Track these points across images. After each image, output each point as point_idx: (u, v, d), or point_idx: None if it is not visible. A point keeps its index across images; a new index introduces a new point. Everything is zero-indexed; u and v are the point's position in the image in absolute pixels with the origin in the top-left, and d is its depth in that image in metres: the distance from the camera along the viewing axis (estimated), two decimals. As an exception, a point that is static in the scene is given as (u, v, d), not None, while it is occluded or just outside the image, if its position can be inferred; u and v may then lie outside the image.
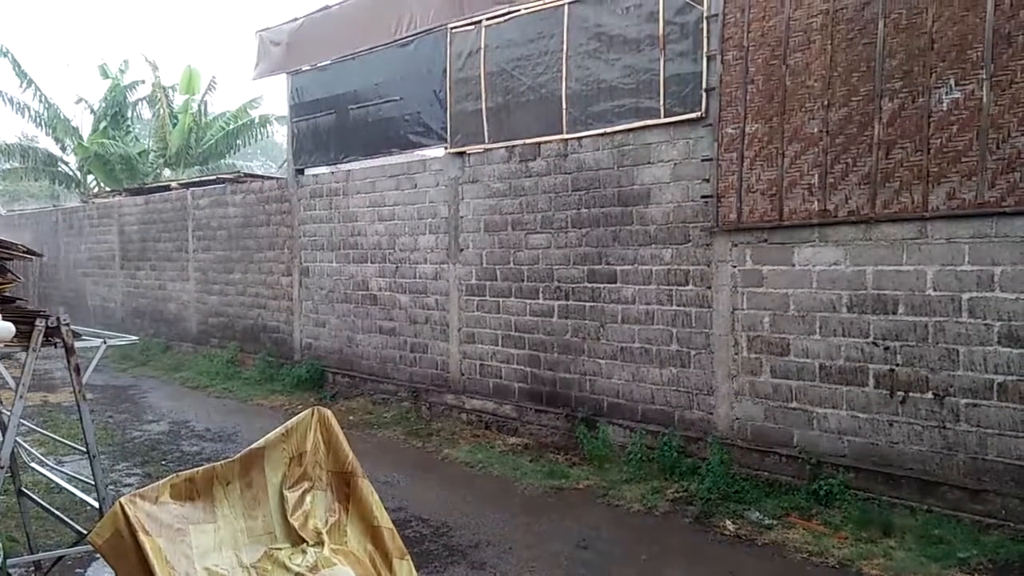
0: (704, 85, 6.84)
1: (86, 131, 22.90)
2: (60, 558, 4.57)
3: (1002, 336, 5.33)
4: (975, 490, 5.39)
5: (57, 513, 4.59)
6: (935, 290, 5.62)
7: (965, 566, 4.84)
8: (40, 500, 4.78)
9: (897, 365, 5.79)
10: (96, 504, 4.07)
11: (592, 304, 7.79)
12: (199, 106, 21.93)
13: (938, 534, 5.21)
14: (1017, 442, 5.26)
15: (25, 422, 4.46)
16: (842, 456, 6.05)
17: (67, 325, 3.82)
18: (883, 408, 5.86)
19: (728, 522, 5.77)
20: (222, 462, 3.11)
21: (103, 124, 21.83)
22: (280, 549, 2.93)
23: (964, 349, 5.49)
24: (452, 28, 9.10)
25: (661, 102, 7.17)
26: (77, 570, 5.02)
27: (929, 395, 5.64)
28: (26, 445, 5.14)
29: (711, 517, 5.89)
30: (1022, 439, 5.24)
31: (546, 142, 8.19)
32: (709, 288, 6.88)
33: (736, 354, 6.70)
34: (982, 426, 5.41)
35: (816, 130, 6.17)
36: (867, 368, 5.94)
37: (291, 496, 3.13)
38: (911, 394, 5.72)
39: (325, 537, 3.04)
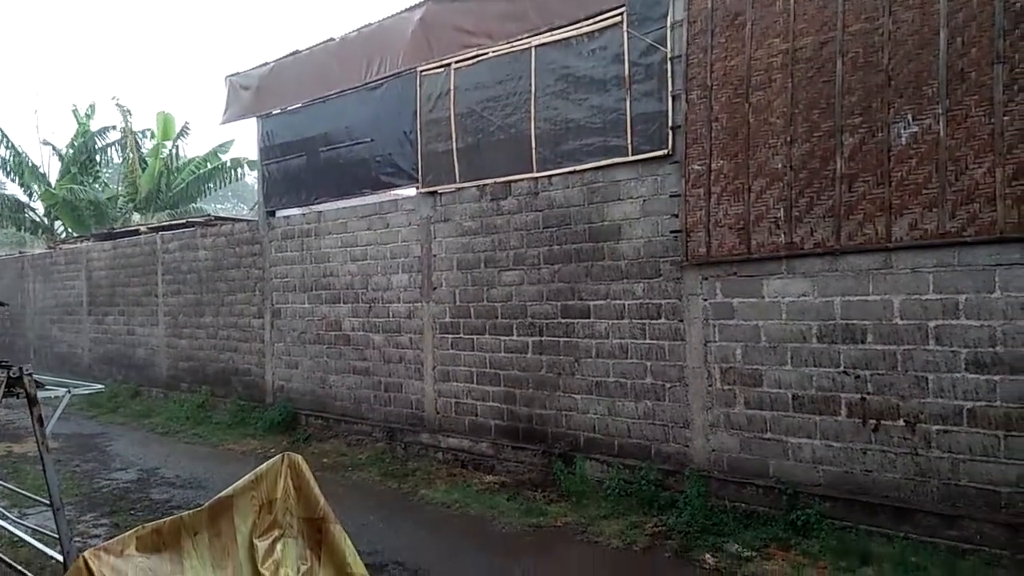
0: (670, 123, 6.96)
1: (53, 177, 22.70)
2: (22, 616, 4.42)
3: (969, 363, 5.42)
4: (950, 516, 5.42)
5: (20, 568, 4.45)
6: (902, 319, 5.71)
7: (943, 594, 4.85)
8: (2, 555, 4.63)
9: (868, 393, 5.85)
10: (61, 558, 3.95)
11: (566, 339, 7.80)
12: (171, 151, 21.87)
13: (915, 561, 5.22)
14: (988, 467, 5.32)
15: (-13, 475, 4.34)
16: (818, 485, 6.07)
17: (30, 375, 3.74)
18: (856, 437, 5.90)
19: (708, 555, 5.73)
20: (190, 512, 3.05)
21: (72, 170, 21.67)
22: (250, 600, 2.86)
23: (933, 376, 5.57)
24: (422, 71, 9.20)
25: (629, 140, 7.28)
26: (41, 628, 4.85)
27: (900, 422, 5.70)
28: (-12, 499, 5.00)
29: (691, 551, 5.85)
30: (993, 464, 5.30)
31: (517, 180, 8.27)
32: (681, 321, 6.93)
33: (710, 386, 6.73)
34: (954, 452, 5.47)
35: (780, 165, 6.29)
36: (839, 397, 6.00)
37: (261, 545, 3.06)
38: (883, 422, 5.78)
39: (297, 586, 2.98)
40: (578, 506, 6.98)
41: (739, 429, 6.55)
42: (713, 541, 5.93)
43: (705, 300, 6.77)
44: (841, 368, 5.99)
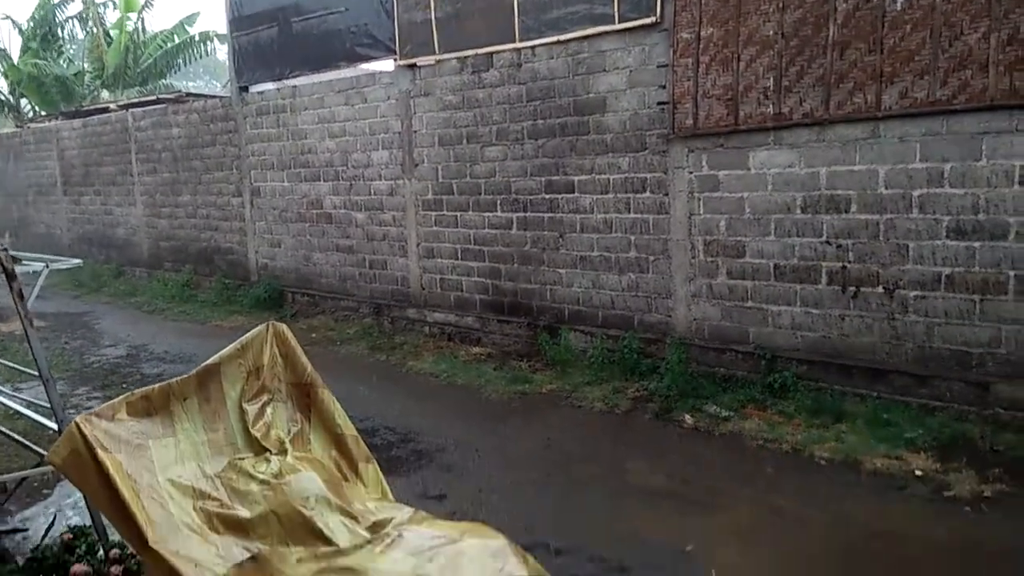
0: (659, -15, 6.67)
1: (15, 53, 21.66)
2: (23, 479, 4.55)
3: (950, 230, 5.47)
4: (922, 376, 5.63)
5: (17, 437, 4.54)
6: (887, 188, 5.71)
7: (912, 446, 5.09)
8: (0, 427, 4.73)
9: (849, 262, 5.92)
10: (55, 427, 4.02)
11: (551, 215, 7.76)
12: (136, 24, 20.82)
13: (887, 418, 5.46)
14: (961, 329, 5.48)
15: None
16: (796, 350, 6.24)
17: (5, 250, 3.68)
18: (835, 303, 6.02)
19: (687, 416, 5.95)
20: (177, 379, 3.08)
21: (33, 44, 20.65)
22: (244, 459, 2.93)
23: (914, 244, 5.62)
24: (397, -71, 8.67)
25: (615, 7, 6.98)
26: (44, 491, 5.04)
27: (880, 289, 5.80)
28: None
29: (671, 412, 6.07)
30: (966, 327, 5.46)
31: (499, 52, 7.97)
32: (666, 195, 6.89)
33: (693, 258, 6.78)
34: (929, 316, 5.61)
35: (771, 33, 6.09)
36: (820, 266, 6.07)
37: (251, 409, 3.12)
38: (862, 289, 5.88)
39: (288, 446, 3.05)
40: (563, 374, 7.16)
41: (721, 299, 6.65)
42: (692, 403, 6.15)
43: (691, 173, 6.71)
44: (824, 238, 6.03)
